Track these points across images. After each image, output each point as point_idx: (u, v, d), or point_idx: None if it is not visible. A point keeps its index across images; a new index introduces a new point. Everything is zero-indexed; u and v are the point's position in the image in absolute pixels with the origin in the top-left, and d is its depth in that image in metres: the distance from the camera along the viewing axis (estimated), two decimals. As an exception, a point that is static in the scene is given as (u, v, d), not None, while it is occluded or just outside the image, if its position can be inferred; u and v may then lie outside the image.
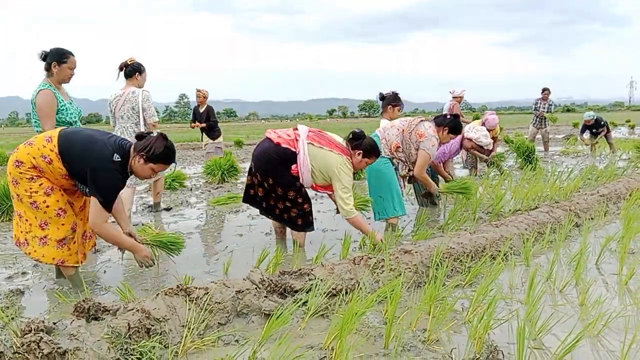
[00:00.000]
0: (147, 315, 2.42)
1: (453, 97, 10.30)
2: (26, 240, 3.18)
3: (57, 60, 3.89)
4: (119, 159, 3.08)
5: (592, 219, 4.78)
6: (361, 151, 3.95)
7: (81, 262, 3.36)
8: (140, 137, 3.20)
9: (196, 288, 2.68)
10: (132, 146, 3.17)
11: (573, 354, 2.20)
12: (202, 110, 8.94)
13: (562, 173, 7.49)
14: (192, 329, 2.44)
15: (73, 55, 3.95)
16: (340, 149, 3.96)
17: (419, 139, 4.63)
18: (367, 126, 42.97)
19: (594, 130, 12.47)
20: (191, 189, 7.89)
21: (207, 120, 8.91)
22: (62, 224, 3.17)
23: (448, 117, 4.77)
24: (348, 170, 3.93)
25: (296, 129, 4.11)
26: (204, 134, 9.17)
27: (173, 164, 3.31)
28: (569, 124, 30.15)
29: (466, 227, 4.68)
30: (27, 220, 3.14)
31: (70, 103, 4.06)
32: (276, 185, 4.02)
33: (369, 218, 4.92)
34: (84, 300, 2.51)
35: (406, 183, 5.00)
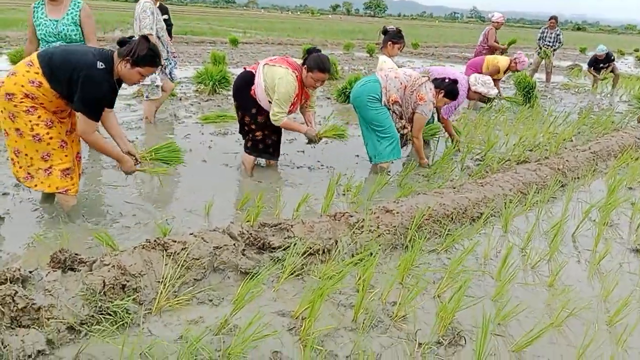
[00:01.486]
0: (122, 271, 2.44)
1: (491, 22, 9.89)
2: (29, 174, 3.16)
3: None
4: (103, 66, 3.01)
5: (578, 178, 4.78)
6: (306, 66, 4.02)
7: (78, 188, 3.37)
8: (121, 42, 3.12)
9: (174, 242, 2.69)
10: (115, 53, 3.09)
11: (534, 345, 2.29)
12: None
13: (558, 116, 7.38)
14: (168, 286, 2.49)
15: None
16: (291, 65, 4.08)
17: (418, 101, 4.58)
18: (370, 27, 41.50)
19: (601, 65, 12.11)
20: (180, 99, 7.69)
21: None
22: (66, 155, 3.16)
23: (446, 80, 4.68)
24: (287, 83, 3.99)
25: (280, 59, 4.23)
26: None
27: (160, 66, 3.28)
28: (576, 47, 29.30)
29: (453, 177, 4.68)
30: (26, 154, 3.09)
31: (55, 21, 3.89)
32: (238, 110, 4.37)
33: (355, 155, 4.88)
34: (60, 251, 2.52)
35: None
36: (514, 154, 5.31)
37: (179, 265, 2.58)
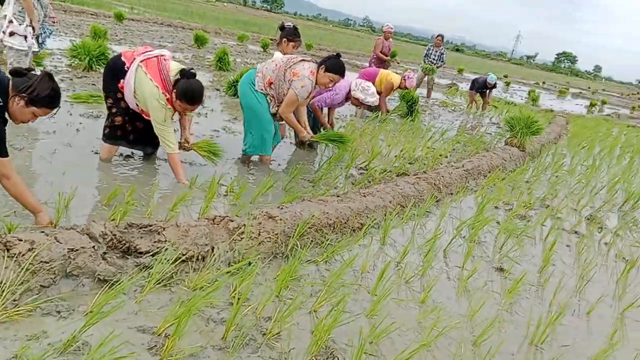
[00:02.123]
0: (-53, 275, 2.03)
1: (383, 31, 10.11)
2: None
3: None
4: (1, 104, 2.63)
5: (451, 194, 5.02)
6: (175, 91, 3.72)
7: None
8: (17, 73, 2.70)
9: (20, 240, 2.31)
10: (11, 83, 2.66)
11: (404, 365, 2.28)
12: None
13: (436, 132, 7.78)
14: (7, 293, 2.11)
15: None
16: (162, 83, 3.74)
17: (292, 77, 4.39)
18: (266, 22, 41.10)
19: (484, 90, 12.86)
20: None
21: None
22: None
23: (330, 56, 4.54)
24: (160, 108, 3.75)
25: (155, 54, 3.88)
26: None
27: (57, 108, 2.89)
28: (454, 67, 31.58)
29: (337, 184, 4.68)
30: None
31: None
32: (103, 90, 4.07)
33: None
34: None
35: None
36: (395, 165, 5.46)
37: (23, 268, 2.21)
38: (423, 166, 5.67)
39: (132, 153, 4.32)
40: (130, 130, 4.07)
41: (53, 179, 3.52)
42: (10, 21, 5.04)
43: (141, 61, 3.77)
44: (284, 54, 5.10)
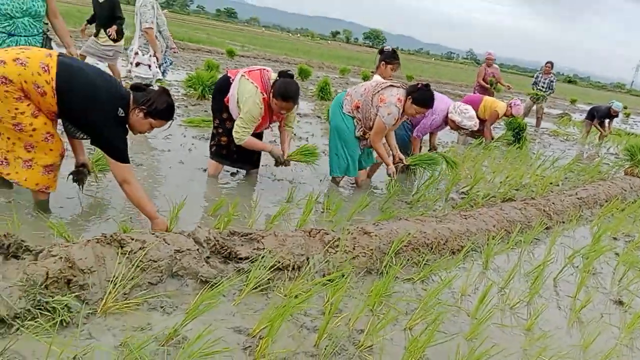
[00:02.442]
0: (70, 264, 2.22)
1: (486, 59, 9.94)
2: (6, 159, 2.84)
3: None
4: (123, 114, 2.88)
5: (563, 222, 4.67)
6: (272, 90, 3.85)
7: None
8: (137, 88, 2.97)
9: (132, 240, 2.48)
10: (132, 97, 2.92)
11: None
12: (102, 0, 6.47)
13: (547, 160, 7.34)
14: (118, 287, 2.27)
15: None
16: (262, 85, 3.90)
17: (379, 103, 4.31)
18: (368, 57, 42.02)
19: (604, 120, 11.89)
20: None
21: (111, 17, 6.46)
22: (51, 149, 2.89)
23: (418, 85, 4.37)
24: (252, 104, 3.87)
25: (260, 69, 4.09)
26: (102, 30, 6.56)
27: (171, 121, 3.13)
28: (566, 98, 29.82)
29: (436, 207, 4.54)
30: (8, 138, 2.80)
31: None
32: (212, 112, 4.27)
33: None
34: (4, 236, 2.30)
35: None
36: (499, 191, 5.20)
37: (134, 265, 2.36)
38: (531, 193, 5.35)
39: (237, 170, 4.52)
40: (235, 150, 4.22)
41: (167, 191, 3.77)
42: (136, 53, 5.60)
43: (245, 72, 3.99)
44: (384, 77, 5.13)
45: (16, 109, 2.70)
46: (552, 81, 12.16)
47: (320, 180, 4.78)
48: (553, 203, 4.73)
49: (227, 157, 4.28)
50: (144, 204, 2.97)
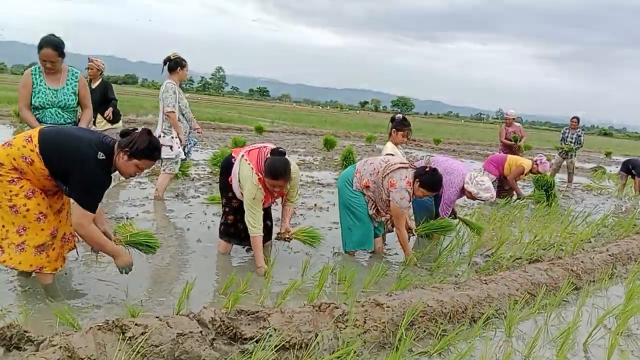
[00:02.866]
0: (70, 354, 2.22)
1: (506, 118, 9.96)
2: (1, 247, 2.99)
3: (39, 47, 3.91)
4: (104, 157, 2.97)
5: (593, 282, 4.43)
6: (264, 170, 3.86)
7: (60, 267, 3.20)
8: (124, 134, 3.09)
9: (134, 325, 2.47)
10: (117, 143, 3.05)
11: None
12: (94, 86, 6.80)
13: (577, 216, 7.09)
14: (117, 375, 2.24)
15: (49, 48, 3.86)
16: (257, 165, 3.94)
17: (390, 187, 4.31)
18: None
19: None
20: (193, 179, 7.72)
21: (104, 100, 6.85)
22: (42, 229, 3.00)
23: (426, 169, 4.34)
24: (250, 187, 3.91)
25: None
26: (98, 115, 6.87)
27: (158, 161, 3.22)
28: (601, 151, 29.20)
29: (457, 272, 4.40)
30: (3, 226, 2.96)
31: (55, 90, 4.01)
32: (220, 190, 4.39)
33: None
34: (8, 327, 2.33)
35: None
36: (526, 252, 5.02)
37: (135, 351, 2.35)
38: (560, 252, 5.14)
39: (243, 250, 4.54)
40: (242, 229, 4.19)
41: (180, 271, 3.80)
42: (159, 135, 5.85)
43: (245, 152, 4.07)
44: (395, 143, 5.17)
45: (10, 191, 2.89)
46: (579, 135, 11.98)
47: (337, 251, 4.73)
48: (582, 261, 4.52)
49: (235, 235, 4.29)
50: (102, 244, 3.08)
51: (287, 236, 4.20)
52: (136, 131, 3.07)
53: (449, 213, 5.41)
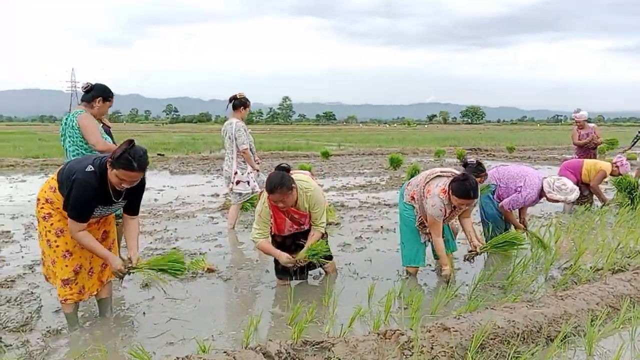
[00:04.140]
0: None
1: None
2: (48, 274, 3.43)
3: (103, 96, 4.29)
4: (92, 169, 3.09)
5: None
6: None
7: (86, 298, 3.42)
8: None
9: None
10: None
11: None
12: None
13: (668, 218, 6.57)
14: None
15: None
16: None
17: (426, 194, 4.28)
18: (465, 134, 41.35)
19: None
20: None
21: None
22: (66, 265, 3.30)
23: (456, 177, 4.18)
24: (260, 204, 4.09)
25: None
26: None
27: (140, 172, 3.09)
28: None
29: (532, 289, 4.20)
30: (48, 256, 3.34)
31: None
32: None
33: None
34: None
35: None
36: (608, 261, 4.70)
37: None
38: (646, 260, 4.78)
39: (320, 272, 4.58)
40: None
41: (251, 302, 3.92)
42: (236, 172, 6.16)
43: None
44: None
45: (45, 227, 3.25)
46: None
47: (403, 273, 4.67)
48: (672, 269, 4.17)
49: (286, 272, 4.27)
50: (92, 247, 3.21)
51: (302, 262, 4.11)
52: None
53: (512, 210, 5.25)
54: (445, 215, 4.25)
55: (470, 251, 4.41)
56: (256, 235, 4.11)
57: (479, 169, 4.99)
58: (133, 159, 3.01)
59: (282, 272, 4.31)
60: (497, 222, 5.44)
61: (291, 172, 4.12)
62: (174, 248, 5.48)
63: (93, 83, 4.31)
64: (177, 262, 3.39)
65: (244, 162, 6.15)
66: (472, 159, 5.26)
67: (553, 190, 5.08)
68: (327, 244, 4.31)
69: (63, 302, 3.36)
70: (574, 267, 4.61)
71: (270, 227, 4.22)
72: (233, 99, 6.13)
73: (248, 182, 6.17)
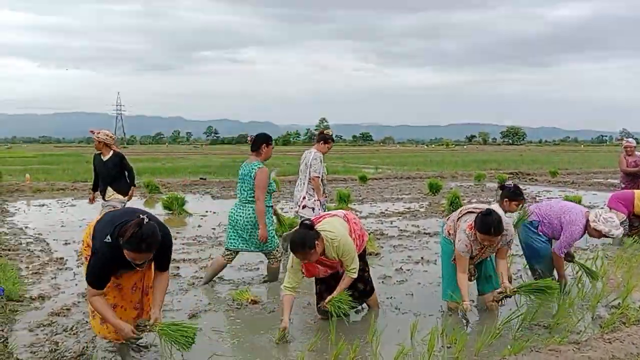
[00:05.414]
0: None
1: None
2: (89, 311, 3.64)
3: (266, 142, 5.43)
4: (109, 240, 3.11)
5: None
6: None
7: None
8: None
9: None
10: None
11: None
12: (105, 159, 6.75)
13: None
14: None
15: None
16: None
17: (457, 230, 4.41)
18: (505, 156, 40.56)
19: None
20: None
21: (120, 172, 6.76)
22: None
23: (481, 211, 4.19)
24: (291, 255, 4.13)
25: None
26: (109, 188, 6.75)
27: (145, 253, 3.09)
28: None
29: (579, 329, 4.13)
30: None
31: None
32: None
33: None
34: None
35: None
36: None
37: None
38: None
39: (361, 307, 4.62)
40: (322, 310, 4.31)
41: (293, 340, 3.99)
42: (304, 197, 6.41)
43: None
44: (505, 211, 5.00)
45: (86, 267, 3.42)
46: None
47: (445, 309, 4.65)
48: None
49: (323, 312, 4.31)
50: (103, 314, 3.26)
51: (324, 307, 4.17)
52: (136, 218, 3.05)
53: (564, 252, 5.10)
54: (471, 252, 4.30)
55: (500, 292, 4.37)
56: (286, 284, 4.15)
57: (515, 193, 5.00)
58: (142, 240, 3.00)
59: (320, 312, 4.37)
60: (547, 256, 5.13)
61: (322, 216, 4.33)
62: (194, 322, 5.50)
63: (254, 135, 5.62)
64: (189, 337, 3.33)
65: (313, 189, 6.41)
66: (510, 182, 5.26)
67: (599, 221, 4.92)
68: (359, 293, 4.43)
69: (103, 338, 3.56)
70: (623, 305, 4.50)
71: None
72: (320, 132, 6.84)
73: (313, 209, 6.40)
